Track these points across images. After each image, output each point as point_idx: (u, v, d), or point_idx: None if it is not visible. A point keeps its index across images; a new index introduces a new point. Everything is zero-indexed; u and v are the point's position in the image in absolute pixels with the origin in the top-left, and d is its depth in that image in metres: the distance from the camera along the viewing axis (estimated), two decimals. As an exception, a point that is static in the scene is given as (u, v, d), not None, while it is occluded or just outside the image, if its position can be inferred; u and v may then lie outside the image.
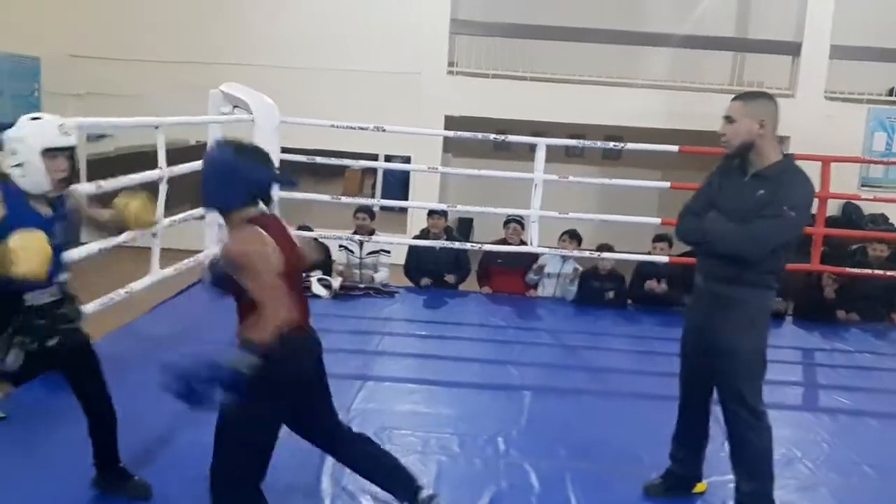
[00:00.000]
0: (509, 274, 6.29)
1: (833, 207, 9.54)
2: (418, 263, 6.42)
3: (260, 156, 2.34)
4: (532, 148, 6.04)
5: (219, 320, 5.04)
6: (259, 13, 10.18)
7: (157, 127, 4.60)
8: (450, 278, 6.25)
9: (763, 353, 2.80)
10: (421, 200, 9.31)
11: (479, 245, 6.28)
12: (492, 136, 6.50)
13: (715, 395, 2.96)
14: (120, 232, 3.10)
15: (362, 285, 6.06)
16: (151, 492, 2.78)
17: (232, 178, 2.27)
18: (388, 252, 6.36)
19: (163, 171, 4.58)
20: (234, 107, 5.66)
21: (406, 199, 10.34)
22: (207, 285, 2.48)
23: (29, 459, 3.01)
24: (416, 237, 6.52)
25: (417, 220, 8.21)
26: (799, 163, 2.82)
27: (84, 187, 3.68)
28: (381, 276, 6.25)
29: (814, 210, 5.40)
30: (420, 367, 4.56)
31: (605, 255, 6.05)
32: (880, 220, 9.86)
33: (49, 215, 2.59)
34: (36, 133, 2.54)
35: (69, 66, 9.96)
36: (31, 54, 9.82)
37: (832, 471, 3.45)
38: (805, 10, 10.05)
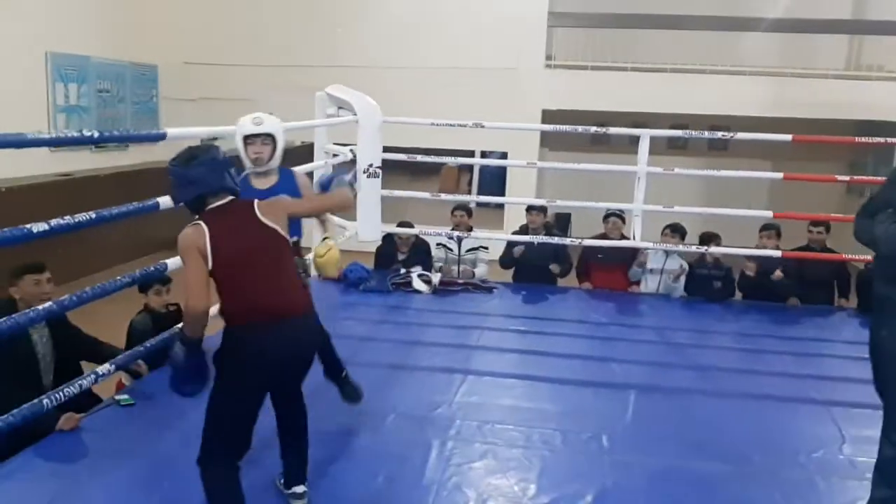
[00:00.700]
0: (610, 270, 6.18)
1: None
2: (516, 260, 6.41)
3: (206, 165, 2.52)
4: (633, 140, 5.91)
5: (324, 314, 5.24)
6: (362, 16, 10.45)
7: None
8: (554, 268, 6.17)
9: None
10: (518, 195, 9.29)
11: (579, 240, 6.21)
12: (592, 129, 6.41)
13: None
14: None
15: (461, 281, 6.11)
16: (361, 395, 3.45)
17: (178, 183, 2.55)
18: (487, 248, 6.39)
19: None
20: (339, 108, 5.80)
21: (503, 194, 10.36)
22: None
23: (168, 432, 3.22)
24: (514, 233, 6.51)
25: (515, 216, 8.20)
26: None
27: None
28: (480, 271, 6.30)
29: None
30: (520, 362, 4.56)
31: (712, 249, 5.87)
32: None
33: (264, 189, 3.34)
34: (238, 125, 3.41)
35: (184, 72, 10.55)
36: (150, 62, 10.47)
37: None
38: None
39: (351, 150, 5.83)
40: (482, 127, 6.19)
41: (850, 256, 5.82)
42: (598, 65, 10.16)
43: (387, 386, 3.99)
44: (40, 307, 2.99)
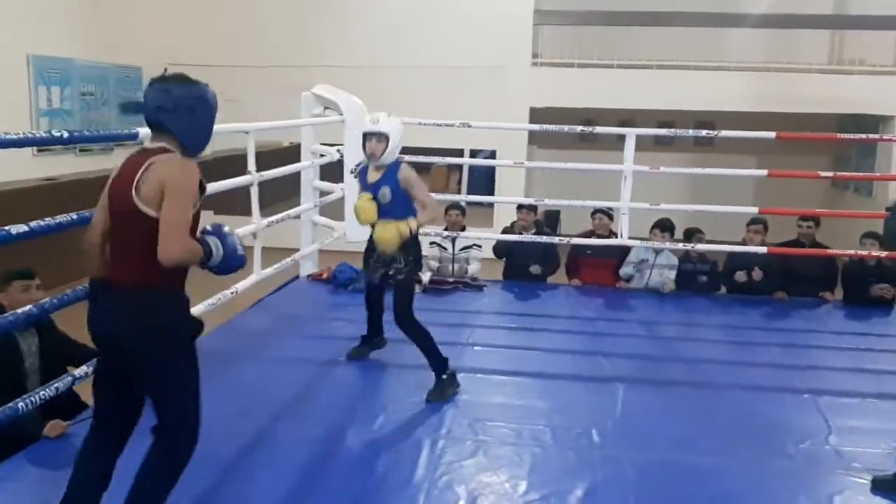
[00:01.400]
0: (598, 266, 6.21)
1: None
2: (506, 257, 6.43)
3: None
4: (620, 137, 5.94)
5: (314, 315, 5.25)
6: (347, 16, 10.43)
7: (247, 132, 4.64)
8: (534, 269, 6.21)
9: None
10: (507, 193, 9.31)
11: (567, 239, 6.25)
12: (579, 129, 6.43)
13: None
14: None
15: (451, 279, 6.12)
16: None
17: (200, 107, 2.49)
18: (480, 246, 6.41)
19: (252, 177, 4.61)
20: (326, 108, 5.80)
21: (492, 191, 10.38)
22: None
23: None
24: (504, 231, 6.53)
25: (505, 213, 8.22)
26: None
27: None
28: (473, 268, 6.32)
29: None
30: (511, 358, 4.58)
31: (698, 246, 5.92)
32: None
33: (373, 182, 3.82)
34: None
35: (169, 74, 10.47)
36: (134, 64, 10.40)
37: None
38: (911, -20, 9.49)
39: (338, 150, 5.83)
40: (469, 126, 6.21)
41: (834, 251, 5.91)
42: (585, 62, 10.19)
43: (377, 385, 4.00)
44: (19, 310, 2.93)
